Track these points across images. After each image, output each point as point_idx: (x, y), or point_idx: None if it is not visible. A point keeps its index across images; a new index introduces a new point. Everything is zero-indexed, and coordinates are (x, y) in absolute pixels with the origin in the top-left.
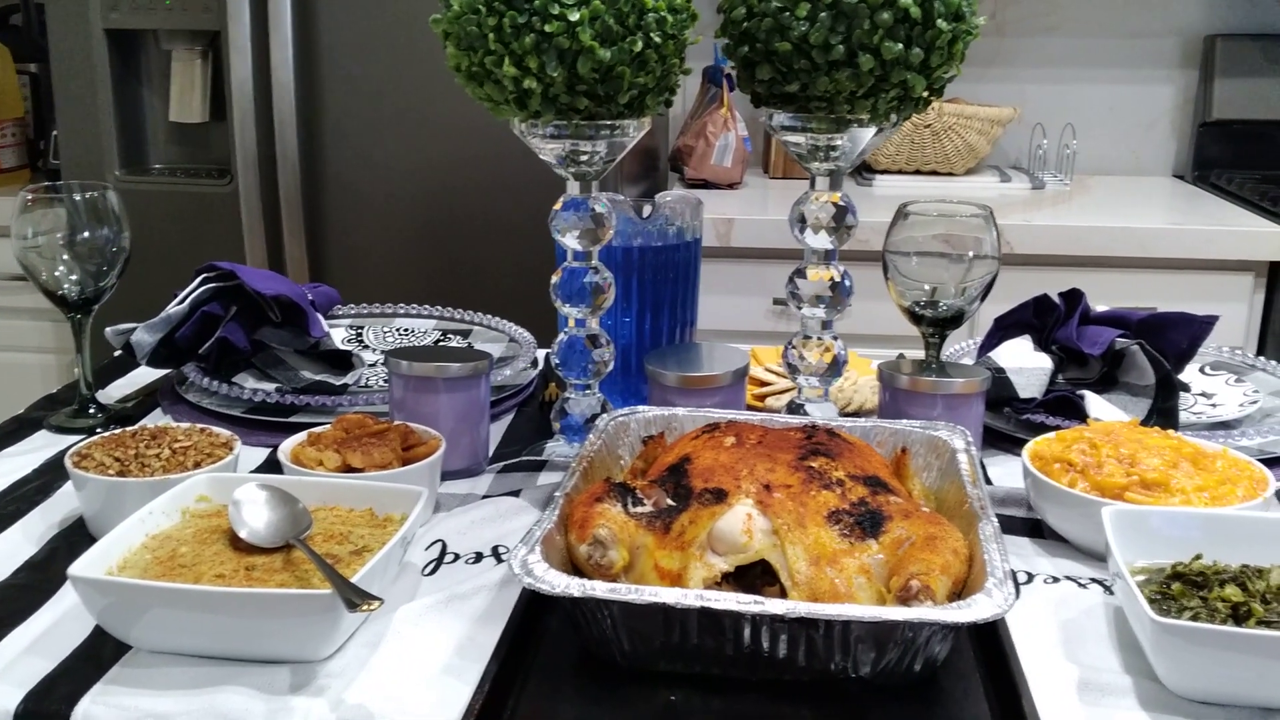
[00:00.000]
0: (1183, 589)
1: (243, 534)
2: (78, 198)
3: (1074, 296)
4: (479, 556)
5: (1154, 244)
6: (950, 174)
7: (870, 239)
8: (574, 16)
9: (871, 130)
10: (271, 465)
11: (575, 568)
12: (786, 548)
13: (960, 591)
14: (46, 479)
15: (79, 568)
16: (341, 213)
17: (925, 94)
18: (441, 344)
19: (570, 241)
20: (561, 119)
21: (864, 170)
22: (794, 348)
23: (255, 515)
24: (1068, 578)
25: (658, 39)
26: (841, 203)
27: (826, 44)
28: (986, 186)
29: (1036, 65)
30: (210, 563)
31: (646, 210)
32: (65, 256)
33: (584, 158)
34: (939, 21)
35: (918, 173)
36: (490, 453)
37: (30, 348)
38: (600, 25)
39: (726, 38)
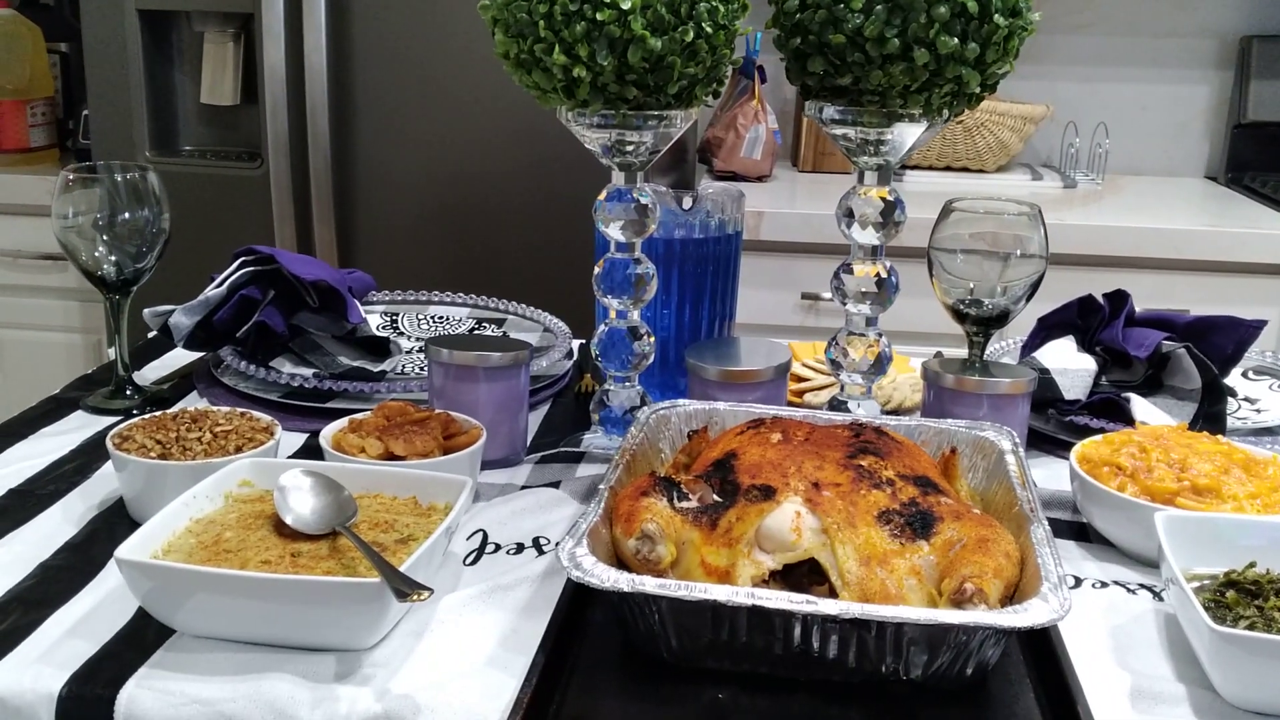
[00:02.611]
0: (1237, 598)
1: (289, 520)
2: (118, 178)
3: (1119, 297)
4: (520, 547)
5: (1186, 246)
6: (981, 171)
7: (902, 235)
8: (626, 5)
9: (922, 125)
10: (309, 450)
11: (620, 561)
12: (836, 547)
13: (1011, 595)
14: (84, 460)
15: (125, 550)
16: (372, 197)
17: (979, 89)
18: (477, 333)
19: (614, 233)
20: (609, 108)
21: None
22: (838, 344)
23: (301, 502)
24: (1116, 583)
25: (709, 29)
26: (890, 197)
27: (881, 37)
28: (1018, 184)
29: (1070, 63)
30: (256, 548)
31: (687, 202)
32: (105, 237)
33: (629, 148)
34: (996, 16)
35: (949, 169)
36: (528, 443)
37: (57, 327)
38: (652, 14)
39: (777, 29)
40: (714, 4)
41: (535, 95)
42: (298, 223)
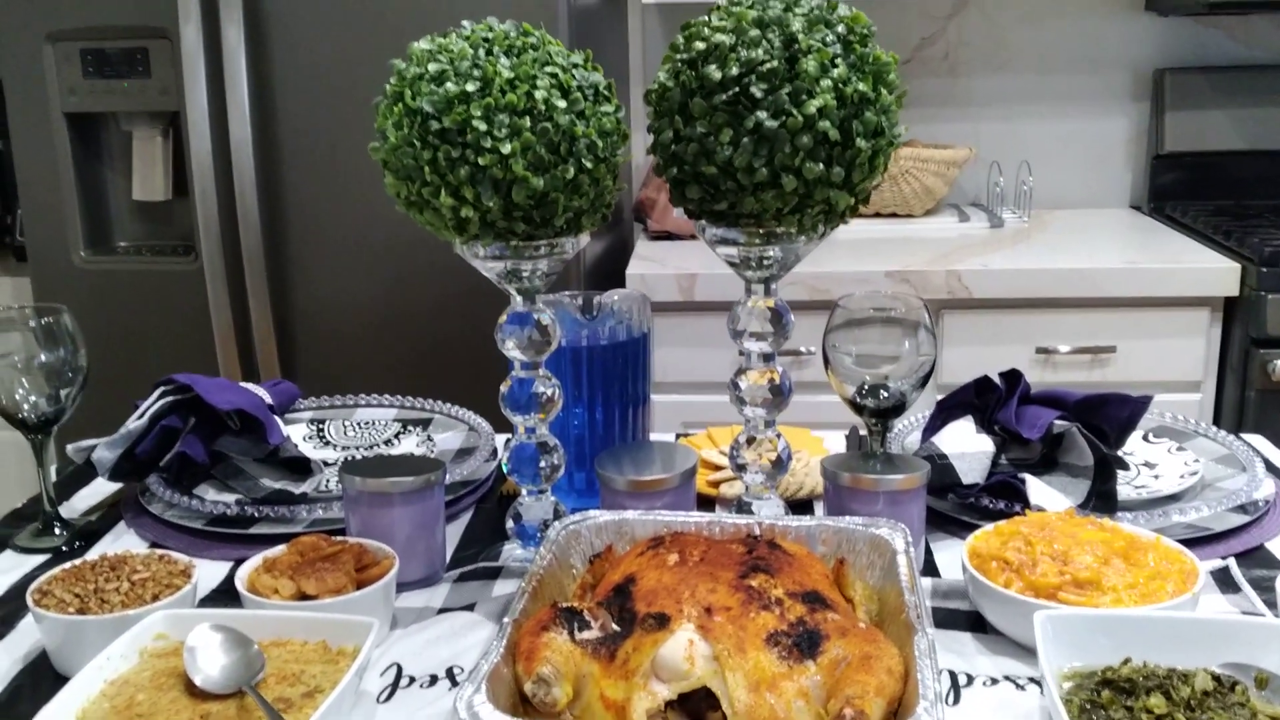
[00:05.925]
0: (1111, 697)
1: (198, 681)
2: (33, 324)
3: (1013, 377)
4: (434, 679)
5: (1111, 284)
6: (910, 216)
7: (831, 288)
8: (506, 149)
9: (799, 242)
10: (230, 586)
11: (524, 698)
12: (726, 675)
13: (897, 710)
14: (10, 608)
15: None
16: (307, 284)
17: (850, 205)
18: (401, 437)
19: (516, 353)
20: (500, 241)
21: None
22: (739, 447)
23: (209, 661)
24: (1007, 678)
25: (589, 164)
26: (776, 307)
27: (750, 167)
28: (945, 227)
29: (990, 103)
30: (166, 712)
31: (597, 303)
32: (24, 380)
33: (525, 274)
34: (858, 140)
35: (877, 215)
36: (448, 557)
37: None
38: (532, 155)
39: (658, 157)
40: (593, 139)
41: (430, 230)
42: (234, 313)
